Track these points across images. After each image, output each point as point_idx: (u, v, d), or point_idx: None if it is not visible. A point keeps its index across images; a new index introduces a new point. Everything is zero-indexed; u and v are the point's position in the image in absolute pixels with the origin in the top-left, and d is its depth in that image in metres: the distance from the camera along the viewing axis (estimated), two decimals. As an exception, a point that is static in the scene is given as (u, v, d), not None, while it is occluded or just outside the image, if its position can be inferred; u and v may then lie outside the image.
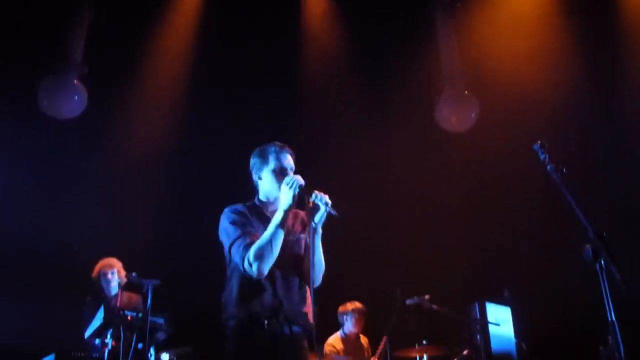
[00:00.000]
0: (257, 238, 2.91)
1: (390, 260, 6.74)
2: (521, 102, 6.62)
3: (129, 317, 4.65)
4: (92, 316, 4.74)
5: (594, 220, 2.43)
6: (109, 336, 4.63)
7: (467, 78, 6.90)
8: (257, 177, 3.16)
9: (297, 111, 7.09)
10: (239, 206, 3.13)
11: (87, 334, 4.78)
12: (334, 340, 6.03)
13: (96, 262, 5.41)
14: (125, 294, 5.31)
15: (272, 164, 3.09)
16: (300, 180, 2.95)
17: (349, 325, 6.03)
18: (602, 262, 2.36)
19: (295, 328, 2.96)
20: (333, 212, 2.90)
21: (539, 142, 2.67)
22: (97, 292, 5.32)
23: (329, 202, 2.92)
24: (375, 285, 6.34)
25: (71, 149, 6.63)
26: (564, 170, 2.57)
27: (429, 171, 6.91)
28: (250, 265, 2.84)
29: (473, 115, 6.83)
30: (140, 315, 4.68)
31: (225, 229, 3.03)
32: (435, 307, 5.37)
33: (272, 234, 2.88)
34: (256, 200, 3.18)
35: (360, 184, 6.95)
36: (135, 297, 5.23)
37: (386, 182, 7.02)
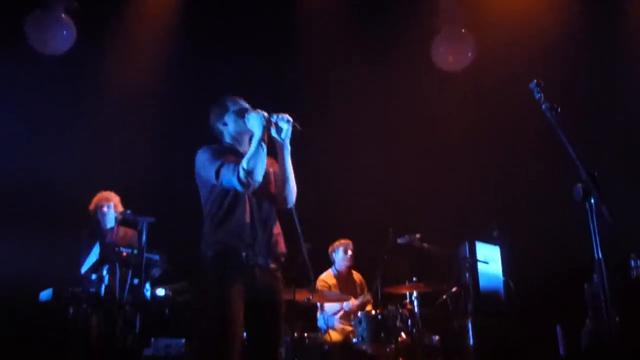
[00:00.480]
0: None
1: (382, 200, 6.81)
2: (518, 41, 6.54)
3: (124, 254, 4.72)
4: (89, 249, 4.80)
5: (587, 160, 2.45)
6: (105, 272, 4.72)
7: (464, 16, 6.77)
8: (220, 125, 3.30)
9: (295, 50, 6.98)
10: (213, 145, 3.28)
11: (83, 270, 4.86)
12: (326, 277, 6.17)
13: (92, 198, 5.43)
14: (121, 229, 5.36)
15: (231, 107, 3.27)
16: (261, 111, 3.13)
17: (339, 261, 6.19)
18: (592, 201, 2.39)
19: (269, 260, 3.11)
20: (297, 125, 3.10)
21: (535, 80, 2.66)
22: (93, 226, 5.36)
23: (290, 119, 3.11)
24: (367, 225, 6.43)
25: (61, 85, 6.52)
26: (558, 109, 2.58)
27: (423, 111, 6.87)
28: (247, 173, 2.94)
29: (470, 54, 6.75)
30: (135, 251, 4.75)
31: (207, 159, 3.13)
32: (425, 245, 5.47)
33: (257, 148, 3.02)
34: (225, 143, 3.33)
35: (354, 123, 6.94)
36: (131, 232, 5.28)
37: (380, 122, 7.00)
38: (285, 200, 3.22)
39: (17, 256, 5.86)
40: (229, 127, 3.28)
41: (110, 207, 5.32)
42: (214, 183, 3.07)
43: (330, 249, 6.26)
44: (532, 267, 5.97)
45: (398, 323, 5.19)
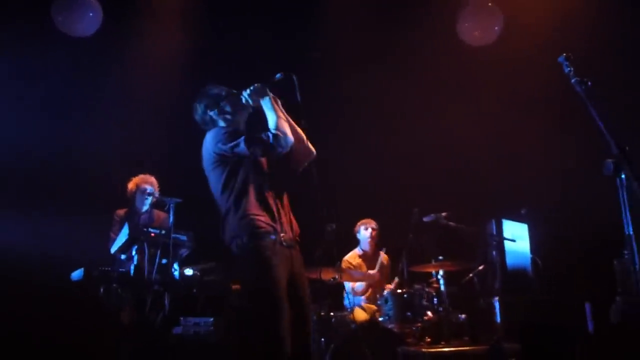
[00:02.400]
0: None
1: (408, 178, 6.77)
2: (546, 14, 6.39)
3: (152, 234, 4.78)
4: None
5: (617, 134, 2.40)
6: (134, 252, 4.79)
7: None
8: (214, 114, 3.35)
9: (312, 29, 6.93)
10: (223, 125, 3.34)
11: (112, 250, 4.94)
12: (351, 257, 6.19)
13: (123, 178, 5.49)
14: (155, 212, 5.44)
15: (222, 92, 3.37)
16: (252, 86, 3.26)
17: (364, 240, 6.21)
18: (623, 175, 2.35)
19: (292, 238, 3.19)
20: (280, 75, 3.23)
21: (564, 54, 2.61)
22: (129, 207, 5.44)
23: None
24: (393, 204, 6.41)
25: (90, 66, 6.58)
26: (589, 83, 2.52)
27: (449, 88, 6.78)
28: (282, 134, 3.07)
29: (497, 28, 6.60)
30: (163, 232, 4.81)
31: (224, 134, 3.17)
32: (452, 224, 5.43)
33: (276, 112, 3.17)
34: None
35: (379, 101, 6.88)
36: (164, 216, 5.35)
37: (406, 99, 6.92)
38: (309, 149, 3.31)
39: (48, 236, 5.99)
40: (227, 111, 3.33)
41: (152, 190, 5.38)
42: (230, 157, 3.12)
43: (355, 229, 6.28)
44: (560, 244, 5.90)
45: (424, 302, 5.19)
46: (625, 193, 2.40)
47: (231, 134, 3.15)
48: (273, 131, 3.06)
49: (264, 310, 2.93)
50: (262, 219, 3.06)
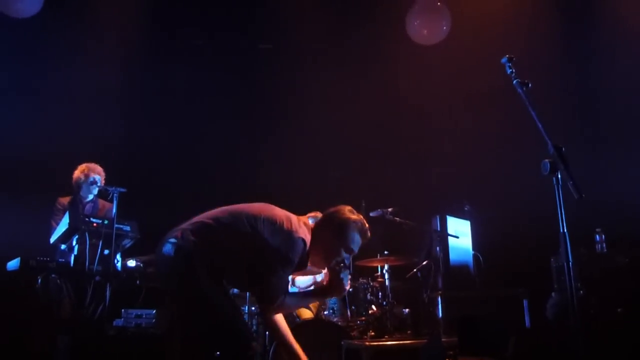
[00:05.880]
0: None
1: (355, 173, 6.82)
2: (492, 14, 6.55)
3: (94, 224, 4.68)
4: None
5: (554, 135, 2.48)
6: (74, 242, 4.67)
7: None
8: (322, 234, 3.14)
9: (268, 22, 6.89)
10: (302, 247, 3.04)
11: (52, 239, 4.80)
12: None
13: (64, 165, 5.34)
14: (100, 201, 5.32)
15: (345, 240, 3.12)
16: (346, 287, 3.16)
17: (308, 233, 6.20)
18: (559, 175, 2.43)
19: None
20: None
21: (507, 56, 2.67)
22: (72, 196, 5.28)
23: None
24: (340, 198, 6.42)
25: (28, 49, 6.35)
26: (529, 85, 2.59)
27: (397, 86, 6.87)
28: (266, 309, 3.04)
29: (445, 27, 6.71)
30: (106, 222, 4.71)
31: (281, 263, 2.98)
32: (397, 219, 5.50)
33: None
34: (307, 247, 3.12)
35: (327, 97, 6.91)
36: (109, 205, 5.23)
37: (354, 97, 6.98)
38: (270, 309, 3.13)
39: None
40: (325, 244, 3.14)
41: (99, 179, 5.24)
42: (257, 256, 2.96)
43: (300, 220, 6.26)
44: (501, 241, 6.07)
45: (368, 296, 5.24)
46: (561, 192, 2.48)
47: (285, 265, 2.99)
48: (277, 302, 2.99)
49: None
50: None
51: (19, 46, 6.32)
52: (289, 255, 2.96)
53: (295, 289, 5.86)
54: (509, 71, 2.66)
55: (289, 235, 2.98)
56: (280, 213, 3.09)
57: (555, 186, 2.45)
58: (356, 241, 3.15)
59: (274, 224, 2.98)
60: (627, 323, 4.28)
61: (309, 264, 3.14)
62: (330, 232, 3.13)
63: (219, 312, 2.92)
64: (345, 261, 3.19)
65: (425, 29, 6.75)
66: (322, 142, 6.93)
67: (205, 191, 6.28)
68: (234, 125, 6.61)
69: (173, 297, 3.14)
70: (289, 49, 6.87)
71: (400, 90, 6.86)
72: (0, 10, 6.09)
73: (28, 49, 6.38)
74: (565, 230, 2.48)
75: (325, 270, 5.75)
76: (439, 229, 5.56)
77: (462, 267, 5.62)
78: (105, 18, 6.52)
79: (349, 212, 3.20)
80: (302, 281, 5.89)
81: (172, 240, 2.92)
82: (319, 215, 6.12)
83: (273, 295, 2.96)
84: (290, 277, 5.83)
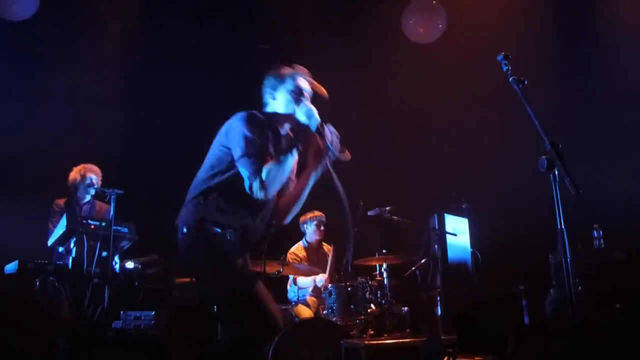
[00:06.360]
0: (269, 160, 2.88)
1: (353, 172, 6.80)
2: (487, 13, 6.55)
3: (92, 226, 4.67)
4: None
5: (551, 132, 2.48)
6: (72, 244, 4.66)
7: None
8: (270, 98, 3.09)
9: (266, 20, 6.89)
10: (260, 115, 3.01)
11: (50, 242, 4.79)
12: (296, 249, 6.20)
13: (61, 167, 5.33)
14: (98, 203, 5.31)
15: (289, 84, 3.06)
16: (317, 116, 2.99)
17: (310, 234, 6.21)
18: (556, 172, 2.43)
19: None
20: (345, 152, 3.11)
21: (503, 53, 2.67)
22: (69, 197, 5.27)
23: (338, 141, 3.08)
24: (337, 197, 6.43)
25: (23, 52, 6.33)
26: (525, 82, 2.60)
27: (392, 84, 6.88)
28: (261, 186, 2.82)
29: (440, 25, 6.72)
30: (103, 224, 4.70)
31: (242, 137, 2.88)
32: (395, 218, 5.51)
33: (284, 166, 2.88)
34: (269, 110, 3.10)
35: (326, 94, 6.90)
36: (106, 207, 5.23)
37: (350, 95, 6.97)
38: (284, 217, 3.19)
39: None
40: (277, 104, 3.07)
41: (96, 180, 5.23)
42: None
43: (301, 219, 6.25)
44: (499, 238, 6.07)
45: (367, 295, 5.24)
46: (558, 189, 2.48)
47: (246, 141, 2.87)
48: (264, 178, 2.81)
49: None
50: (233, 217, 2.94)
51: (13, 48, 6.29)
52: (246, 127, 2.90)
53: (295, 290, 5.90)
54: (505, 68, 2.67)
55: (234, 117, 2.99)
56: None
57: (553, 183, 2.45)
58: (299, 77, 3.09)
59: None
60: (626, 319, 4.29)
61: (295, 153, 2.99)
62: (269, 86, 3.09)
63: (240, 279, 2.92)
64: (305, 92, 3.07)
65: (421, 27, 6.76)
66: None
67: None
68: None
69: (205, 272, 2.99)
70: (286, 49, 6.86)
71: (397, 88, 6.85)
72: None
73: (23, 51, 6.35)
74: (563, 227, 2.48)
75: (326, 275, 5.78)
76: (436, 227, 5.56)
77: (460, 265, 5.62)
78: (102, 19, 6.51)
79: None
80: (304, 282, 5.91)
81: (177, 224, 2.96)
82: (319, 214, 6.15)
83: (254, 162, 2.83)
84: (291, 277, 5.87)
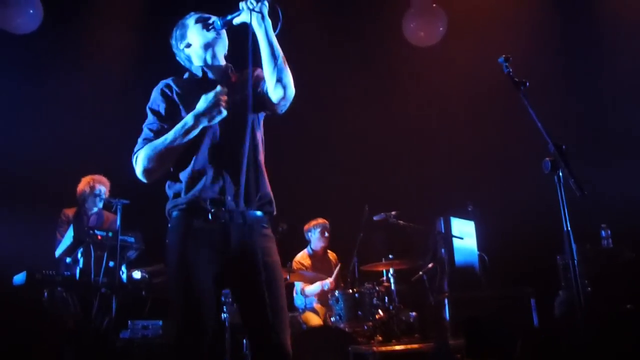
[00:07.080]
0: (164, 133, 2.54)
1: (358, 178, 6.82)
2: (488, 15, 6.55)
3: (99, 236, 4.68)
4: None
5: (554, 134, 2.48)
6: (79, 254, 4.67)
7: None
8: (184, 46, 2.77)
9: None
10: (169, 81, 2.75)
11: (57, 253, 4.81)
12: (302, 257, 6.18)
13: (67, 178, 5.35)
14: (105, 213, 5.33)
15: (192, 19, 2.77)
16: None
17: (315, 241, 6.19)
18: (560, 173, 2.42)
19: (250, 213, 2.48)
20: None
21: (504, 55, 2.67)
22: (78, 208, 5.29)
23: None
24: (343, 202, 6.44)
25: (30, 64, 6.37)
26: (527, 84, 2.59)
27: (395, 88, 6.88)
28: (136, 163, 2.53)
29: (441, 29, 6.72)
30: (110, 234, 4.71)
31: (148, 107, 2.72)
32: (401, 222, 5.49)
33: (177, 134, 2.50)
34: (194, 70, 2.77)
35: (329, 101, 6.91)
36: (112, 217, 5.25)
37: (355, 100, 6.98)
38: (278, 97, 2.70)
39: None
40: (194, 45, 2.73)
41: (103, 191, 5.26)
42: None
43: (306, 227, 6.25)
44: (506, 240, 6.04)
45: (375, 301, 5.23)
46: (563, 190, 2.47)
47: (149, 112, 2.70)
48: (138, 159, 2.54)
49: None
50: (194, 190, 2.49)
51: (18, 61, 6.33)
52: (153, 94, 2.73)
53: (302, 298, 5.88)
54: (506, 71, 2.66)
55: None
56: None
57: (557, 184, 2.45)
58: (200, 13, 2.78)
59: None
60: (636, 319, 4.25)
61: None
62: (177, 41, 2.83)
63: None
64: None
65: (422, 30, 6.77)
66: (324, 147, 6.93)
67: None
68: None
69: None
70: (286, 52, 6.86)
71: (402, 93, 6.85)
72: (0, 26, 6.12)
73: (27, 64, 6.39)
74: (569, 228, 2.47)
75: (331, 279, 5.76)
76: (443, 231, 5.54)
77: (467, 268, 5.59)
78: (105, 30, 6.54)
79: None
80: (312, 290, 5.89)
81: None
82: (323, 221, 6.13)
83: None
84: (300, 286, 5.84)
